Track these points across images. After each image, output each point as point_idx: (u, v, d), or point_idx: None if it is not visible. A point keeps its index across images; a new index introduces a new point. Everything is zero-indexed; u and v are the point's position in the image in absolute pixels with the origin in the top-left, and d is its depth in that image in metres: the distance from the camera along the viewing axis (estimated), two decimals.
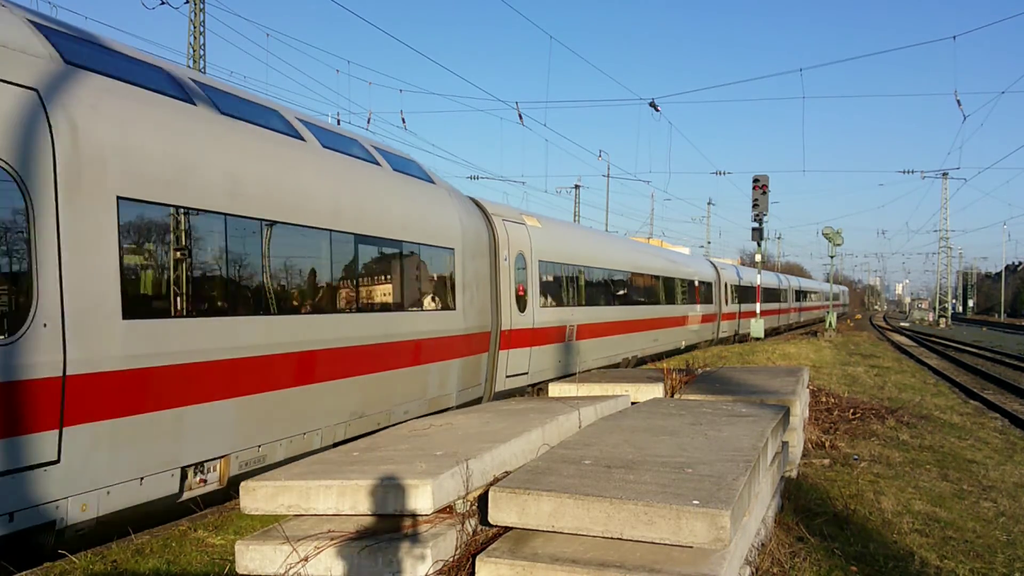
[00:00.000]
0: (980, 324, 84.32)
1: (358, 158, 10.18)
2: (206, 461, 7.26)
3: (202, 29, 28.59)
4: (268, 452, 8.05)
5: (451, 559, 4.65)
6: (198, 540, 6.15)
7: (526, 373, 14.56)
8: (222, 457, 7.45)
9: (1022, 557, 6.11)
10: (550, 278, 15.87)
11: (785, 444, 7.30)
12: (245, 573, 4.88)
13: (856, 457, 9.42)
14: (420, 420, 7.85)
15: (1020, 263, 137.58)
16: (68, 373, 5.81)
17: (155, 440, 6.65)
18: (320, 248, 8.99)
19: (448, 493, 4.86)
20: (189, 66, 28.27)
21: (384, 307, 10.16)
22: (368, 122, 27.95)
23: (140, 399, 6.49)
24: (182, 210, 7.08)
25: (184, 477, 7.05)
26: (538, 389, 15.16)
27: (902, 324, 78.40)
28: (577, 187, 54.65)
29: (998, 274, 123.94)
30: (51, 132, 5.87)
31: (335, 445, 8.67)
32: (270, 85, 54.62)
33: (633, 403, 8.56)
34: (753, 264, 39.95)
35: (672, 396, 8.96)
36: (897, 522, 6.76)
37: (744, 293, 36.02)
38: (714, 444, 5.67)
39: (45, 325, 5.70)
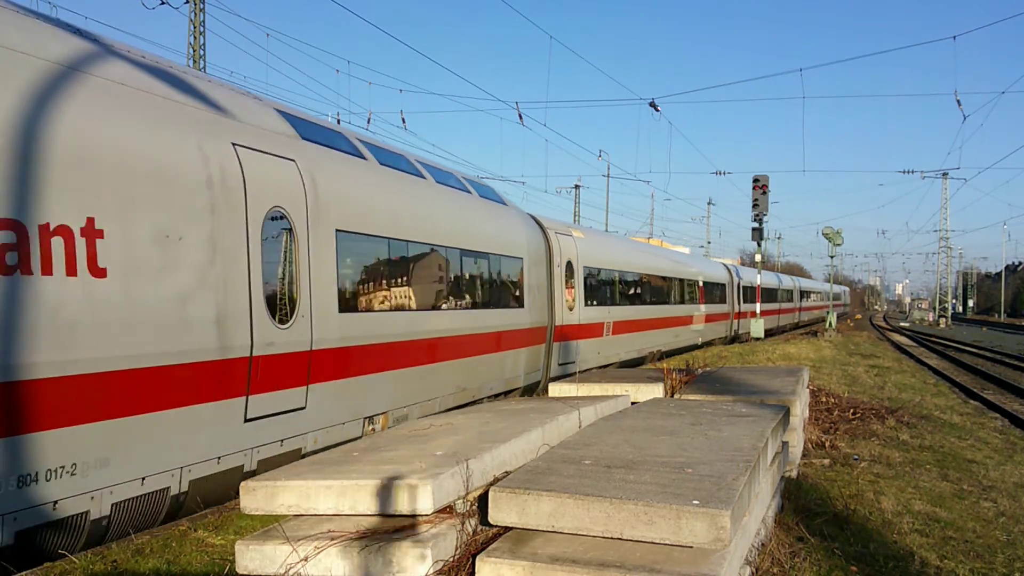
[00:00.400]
0: (980, 324, 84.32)
1: (458, 189, 12.99)
2: (375, 415, 10.06)
3: (202, 29, 28.60)
4: (408, 412, 10.82)
5: (451, 559, 4.65)
6: (198, 540, 6.15)
7: (573, 362, 16.90)
8: (383, 413, 10.20)
9: (1022, 557, 6.11)
10: (593, 282, 18.22)
11: (785, 444, 7.30)
12: (245, 573, 4.88)
13: (856, 457, 9.42)
14: (420, 420, 7.87)
15: (1020, 263, 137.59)
16: (313, 348, 8.51)
17: (351, 398, 9.35)
18: (440, 260, 11.89)
19: (448, 493, 4.87)
20: (189, 66, 28.29)
21: (477, 305, 12.78)
22: (368, 122, 27.97)
23: (345, 368, 9.23)
24: (367, 236, 9.88)
25: (364, 425, 9.75)
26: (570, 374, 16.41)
27: (902, 324, 78.42)
28: (577, 187, 54.70)
29: (998, 274, 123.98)
30: (304, 187, 8.56)
31: (446, 411, 10.94)
32: (270, 85, 54.73)
33: (633, 403, 8.56)
34: (753, 264, 39.97)
35: (672, 396, 8.96)
36: (897, 522, 6.76)
37: (749, 294, 37.88)
38: (714, 444, 5.67)
39: (303, 316, 8.38)
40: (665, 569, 3.93)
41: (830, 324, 37.72)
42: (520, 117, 26.22)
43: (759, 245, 32.41)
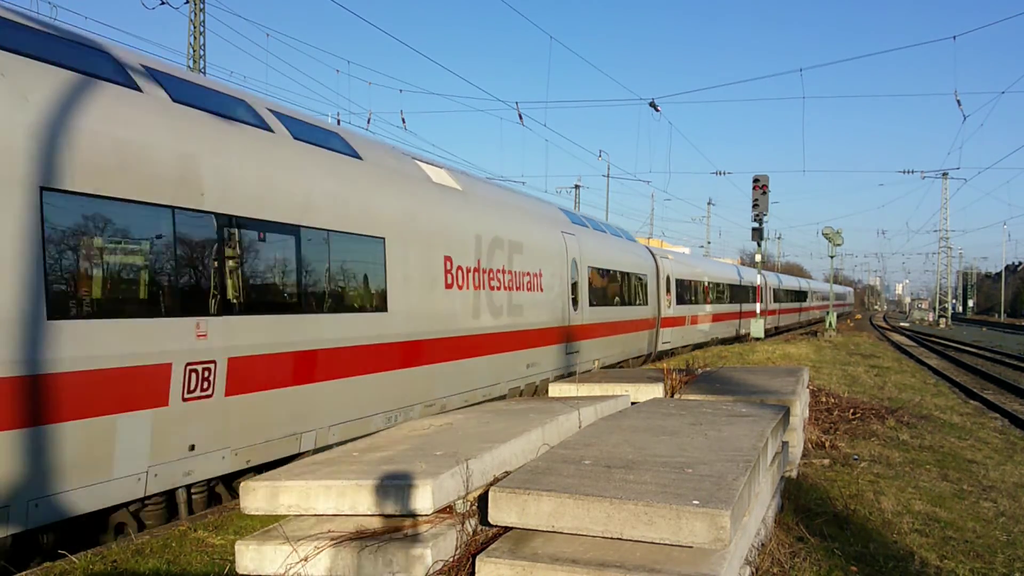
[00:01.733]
0: (980, 324, 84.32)
1: (622, 237, 22.06)
2: (625, 359, 17.42)
3: (202, 29, 28.59)
4: (605, 359, 18.12)
5: (451, 559, 4.64)
6: (198, 540, 6.15)
7: (669, 342, 24.95)
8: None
9: (1022, 557, 6.11)
10: (680, 289, 26.38)
11: (785, 444, 7.30)
12: (245, 573, 4.88)
13: (856, 457, 9.41)
14: (420, 420, 7.85)
15: (1020, 263, 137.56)
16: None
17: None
18: (622, 279, 20.43)
19: (448, 493, 4.86)
20: (189, 66, 28.26)
21: (627, 303, 20.78)
22: (368, 122, 27.96)
23: (593, 332, 16.81)
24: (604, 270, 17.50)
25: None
26: (669, 352, 24.98)
27: (902, 324, 78.41)
28: (577, 187, 54.63)
29: (998, 274, 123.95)
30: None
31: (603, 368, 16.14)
32: (270, 85, 54.65)
33: (633, 403, 8.56)
34: (753, 264, 40.04)
35: (672, 396, 8.96)
36: (897, 522, 6.76)
37: (777, 295, 47.02)
38: (714, 444, 5.67)
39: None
40: (665, 569, 3.93)
41: (830, 324, 37.69)
42: (520, 117, 26.24)
43: (759, 245, 32.41)
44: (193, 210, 7.13)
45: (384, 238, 10.02)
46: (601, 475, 4.76)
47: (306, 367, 8.46)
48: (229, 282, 7.58)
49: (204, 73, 28.42)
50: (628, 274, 20.56)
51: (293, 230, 8.39)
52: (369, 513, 4.87)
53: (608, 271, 18.83)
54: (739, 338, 34.69)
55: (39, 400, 5.74)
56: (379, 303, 9.94)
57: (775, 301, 45.43)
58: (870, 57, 78.58)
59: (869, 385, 17.62)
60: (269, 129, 8.63)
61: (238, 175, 7.73)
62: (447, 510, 5.04)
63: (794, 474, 8.13)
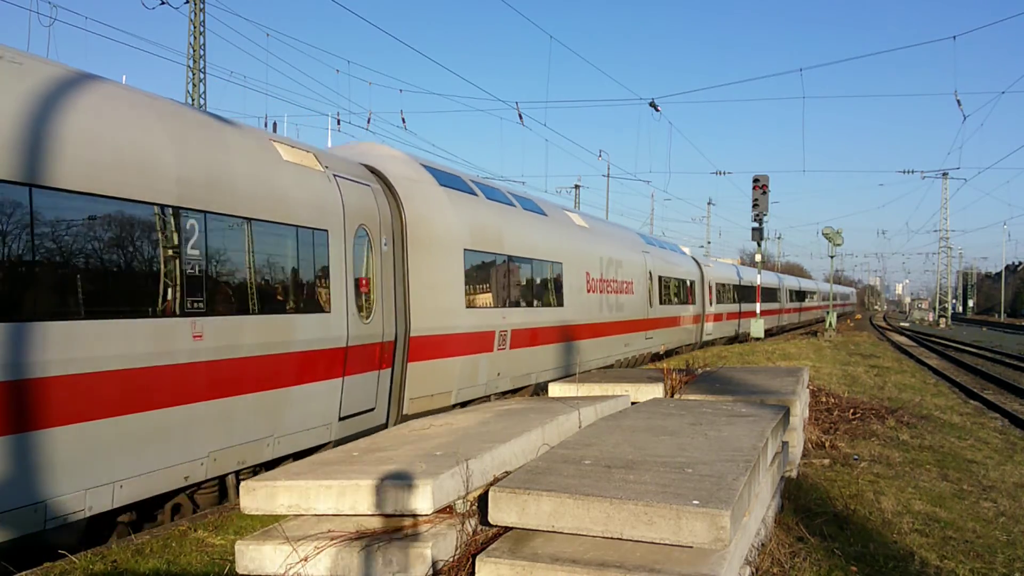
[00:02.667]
0: (980, 324, 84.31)
1: (669, 250, 26.57)
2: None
3: (202, 29, 28.59)
4: (666, 342, 23.38)
5: (451, 559, 4.65)
6: (198, 540, 6.15)
7: (711, 335, 30.16)
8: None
9: (1022, 557, 6.11)
10: (719, 290, 31.74)
11: (785, 444, 7.30)
12: (245, 573, 4.88)
13: (856, 457, 9.41)
14: (420, 420, 7.85)
15: (1020, 263, 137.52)
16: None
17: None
18: (680, 284, 26.03)
19: (448, 493, 4.86)
20: (189, 66, 28.27)
21: (682, 302, 26.08)
22: (368, 122, 27.96)
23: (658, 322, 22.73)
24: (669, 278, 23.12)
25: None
26: (711, 343, 30.14)
27: (902, 324, 78.44)
28: (577, 187, 54.63)
29: (998, 274, 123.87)
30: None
31: (667, 354, 20.04)
32: (270, 85, 54.66)
33: (633, 403, 8.56)
34: (753, 264, 40.07)
35: (672, 396, 8.96)
36: (897, 522, 6.76)
37: (791, 295, 53.09)
38: (714, 444, 5.67)
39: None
40: (665, 569, 3.93)
41: (830, 324, 37.69)
42: (520, 117, 26.25)
43: (759, 245, 32.41)
44: (505, 255, 13.75)
45: (562, 263, 16.13)
46: (601, 475, 4.76)
47: (534, 337, 14.77)
48: (514, 289, 14.18)
49: (204, 74, 28.42)
50: (682, 280, 26.59)
51: (530, 260, 14.85)
52: (369, 513, 4.87)
53: (669, 279, 24.97)
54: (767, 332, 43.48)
55: (454, 344, 11.87)
56: (559, 301, 16.03)
57: (791, 301, 52.66)
58: (870, 57, 78.68)
59: (869, 385, 17.62)
60: (511, 204, 14.91)
61: (515, 232, 14.30)
62: (447, 510, 5.04)
63: (794, 474, 8.13)
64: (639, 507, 4.13)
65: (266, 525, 5.52)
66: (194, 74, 28.26)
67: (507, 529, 4.62)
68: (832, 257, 39.72)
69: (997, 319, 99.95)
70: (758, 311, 33.08)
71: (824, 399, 12.83)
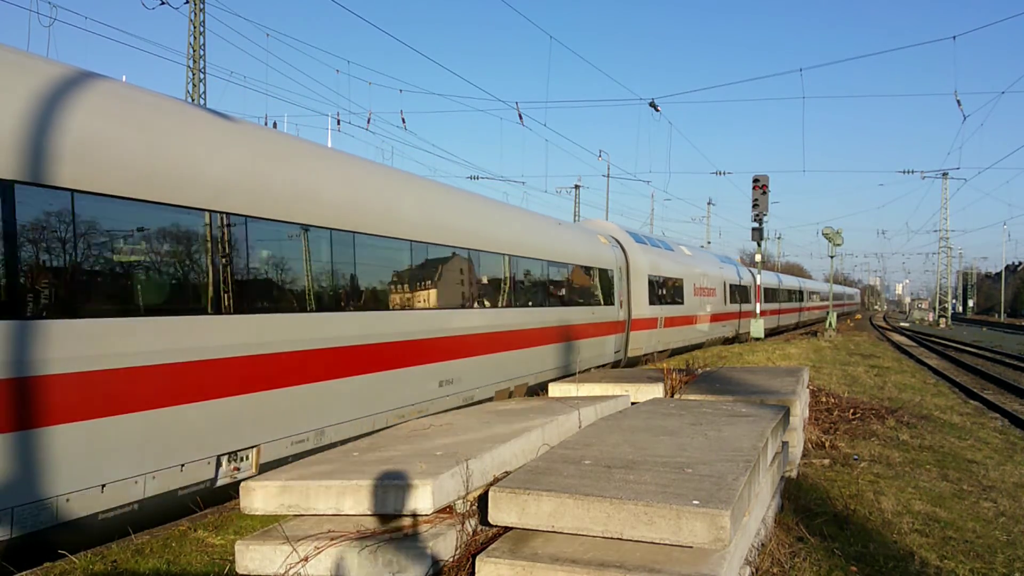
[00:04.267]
0: (980, 324, 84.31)
1: (732, 263, 36.57)
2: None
3: (202, 29, 28.59)
4: (707, 340, 30.25)
5: (451, 559, 4.65)
6: (198, 540, 6.15)
7: (748, 332, 34.35)
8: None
9: (1022, 557, 6.11)
10: (766, 291, 40.74)
11: (785, 444, 7.30)
12: (245, 573, 4.88)
13: (856, 457, 9.41)
14: (420, 420, 7.86)
15: (1020, 263, 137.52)
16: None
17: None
18: (736, 288, 34.83)
19: (448, 493, 4.86)
20: (189, 66, 28.27)
21: (743, 302, 35.30)
22: (368, 122, 27.94)
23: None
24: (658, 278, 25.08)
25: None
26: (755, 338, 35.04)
27: (902, 324, 78.43)
28: (577, 187, 54.67)
29: (998, 274, 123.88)
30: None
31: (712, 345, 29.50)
32: (270, 85, 54.64)
33: (633, 403, 8.56)
34: (753, 264, 40.17)
35: (672, 396, 8.96)
36: (897, 522, 6.76)
37: (811, 296, 61.45)
38: (714, 444, 5.67)
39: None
40: (665, 569, 3.93)
41: (830, 324, 37.69)
42: (520, 117, 26.22)
43: (759, 245, 32.40)
44: (661, 276, 23.91)
45: (682, 278, 25.85)
46: (601, 475, 4.76)
47: (673, 322, 24.33)
48: (664, 296, 23.98)
49: (204, 74, 28.41)
50: (744, 286, 35.96)
51: (672, 279, 24.59)
52: (369, 513, 4.87)
53: (736, 285, 34.55)
54: (799, 325, 54.13)
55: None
56: (682, 301, 25.66)
57: (808, 301, 60.52)
58: (870, 57, 78.68)
59: (869, 385, 17.62)
60: (659, 246, 25.21)
61: (664, 264, 24.51)
62: (447, 510, 5.04)
63: (794, 474, 8.13)
64: (639, 507, 4.13)
65: (266, 525, 5.52)
66: (194, 74, 28.27)
67: (507, 529, 4.62)
68: (832, 257, 39.71)
69: (997, 319, 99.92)
70: (758, 311, 33.10)
71: (824, 399, 12.82)
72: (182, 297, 7.36)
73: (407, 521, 4.92)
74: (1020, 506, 7.68)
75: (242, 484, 5.17)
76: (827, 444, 9.90)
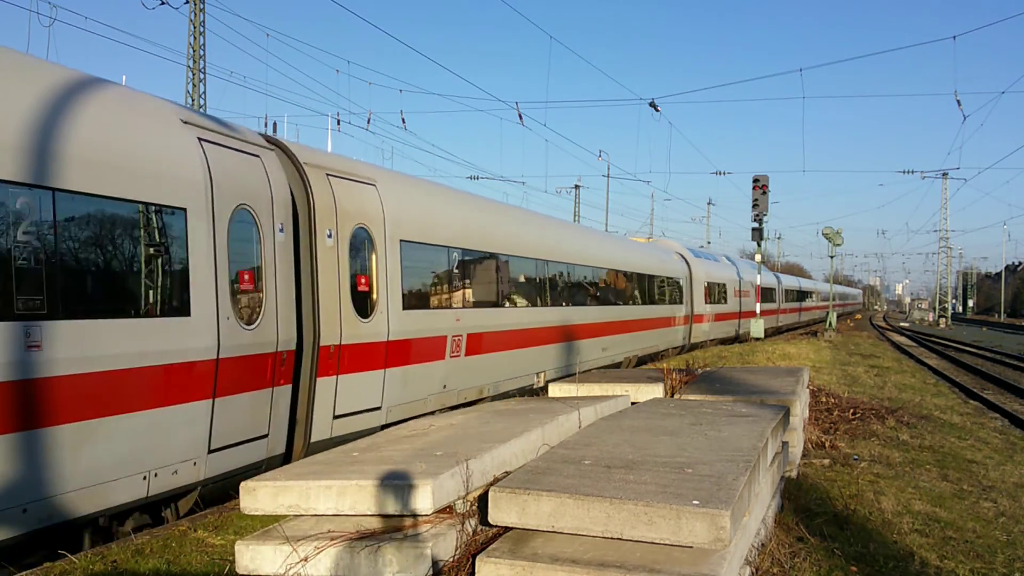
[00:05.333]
0: (980, 324, 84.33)
1: (766, 270, 42.07)
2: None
3: (202, 29, 28.59)
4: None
5: (451, 559, 4.65)
6: (198, 540, 6.15)
7: (782, 321, 46.35)
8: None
9: (1022, 557, 6.11)
10: (787, 295, 50.32)
11: (785, 444, 7.30)
12: (245, 573, 4.88)
13: (856, 457, 9.41)
14: (420, 420, 7.86)
15: (1020, 263, 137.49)
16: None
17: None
18: (768, 291, 42.40)
19: (448, 493, 4.86)
20: (189, 66, 28.27)
21: (771, 301, 43.63)
22: (368, 122, 27.95)
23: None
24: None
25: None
26: (786, 329, 47.67)
27: (902, 324, 78.46)
28: (577, 187, 54.70)
29: (998, 274, 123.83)
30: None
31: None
32: (270, 85, 54.63)
33: (633, 403, 8.56)
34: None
35: (672, 396, 8.96)
36: (897, 522, 6.76)
37: (817, 297, 65.48)
38: (714, 444, 5.67)
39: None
40: (665, 569, 3.93)
41: (830, 324, 37.69)
42: (520, 117, 26.21)
43: (759, 245, 32.42)
44: (715, 282, 31.51)
45: (726, 283, 32.80)
46: (601, 475, 4.76)
47: (720, 317, 32.05)
48: (715, 297, 31.37)
49: (204, 74, 28.42)
50: (770, 288, 41.99)
51: (718, 284, 32.04)
52: (369, 513, 4.87)
53: (765, 288, 38.97)
54: (812, 322, 59.05)
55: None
56: (726, 301, 32.65)
57: (814, 301, 65.74)
58: (870, 57, 78.75)
59: (869, 385, 17.63)
60: (710, 258, 33.45)
61: (712, 273, 31.24)
62: (447, 510, 5.04)
63: (794, 474, 8.13)
64: (639, 507, 4.13)
65: (266, 525, 5.52)
66: (194, 74, 28.27)
67: (507, 529, 4.62)
68: (832, 257, 39.71)
69: (997, 319, 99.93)
70: (758, 311, 33.10)
71: (824, 399, 12.82)
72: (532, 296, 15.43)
73: (407, 521, 4.92)
74: (1020, 506, 7.69)
75: (242, 484, 5.17)
76: (827, 444, 9.90)
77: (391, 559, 4.53)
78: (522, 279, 15.27)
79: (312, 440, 8.94)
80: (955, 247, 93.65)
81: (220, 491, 7.73)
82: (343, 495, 4.87)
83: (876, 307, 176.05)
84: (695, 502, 4.11)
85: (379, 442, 6.46)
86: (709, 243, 70.86)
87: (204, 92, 28.47)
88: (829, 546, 5.95)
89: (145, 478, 6.71)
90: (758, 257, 34.10)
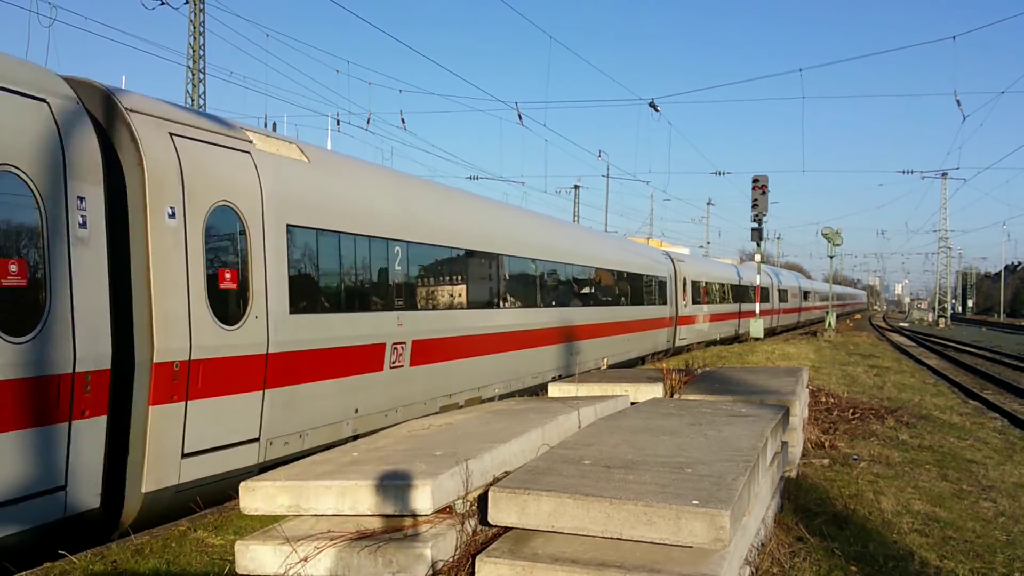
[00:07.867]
0: (979, 324, 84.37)
1: (784, 271, 57.90)
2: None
3: (202, 29, 28.59)
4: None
5: (451, 559, 4.65)
6: (198, 540, 6.15)
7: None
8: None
9: (1022, 557, 6.11)
10: (804, 295, 57.49)
11: (785, 444, 7.30)
12: (245, 573, 4.88)
13: (856, 457, 9.42)
14: (420, 420, 7.86)
15: (1020, 263, 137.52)
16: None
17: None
18: (783, 292, 46.84)
19: (448, 493, 4.86)
20: (189, 67, 28.26)
21: (785, 301, 47.44)
22: (368, 122, 27.95)
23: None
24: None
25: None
26: (808, 323, 55.83)
27: (901, 324, 78.48)
28: (577, 187, 54.65)
29: (997, 274, 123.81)
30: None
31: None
32: (270, 85, 54.62)
33: (633, 403, 8.56)
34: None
35: (672, 396, 8.96)
36: (897, 522, 6.76)
37: (823, 299, 66.81)
38: (714, 444, 5.67)
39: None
40: (665, 569, 3.93)
41: (829, 324, 37.71)
42: (520, 117, 26.14)
43: (759, 245, 32.44)
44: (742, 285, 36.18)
45: (769, 287, 40.12)
46: (601, 475, 4.76)
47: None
48: (746, 298, 35.95)
49: (204, 74, 28.42)
50: (787, 289, 45.54)
51: (738, 287, 35.77)
52: (369, 513, 4.87)
53: (782, 289, 43.85)
54: (819, 320, 59.18)
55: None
56: (769, 301, 39.38)
57: (819, 301, 68.17)
58: (870, 57, 78.78)
59: (868, 385, 17.63)
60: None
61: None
62: (447, 510, 5.04)
63: (794, 474, 8.13)
64: (639, 507, 4.13)
65: (266, 525, 5.52)
66: (194, 75, 28.27)
67: (507, 529, 4.62)
68: (832, 257, 39.74)
69: (996, 319, 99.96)
70: (757, 311, 33.12)
71: (824, 399, 12.82)
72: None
73: (407, 521, 4.92)
74: (1020, 506, 7.69)
75: (242, 484, 5.17)
76: (827, 444, 9.90)
77: (391, 559, 4.53)
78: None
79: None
80: (954, 247, 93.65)
81: None
82: (343, 495, 4.87)
83: (875, 307, 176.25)
84: (695, 502, 4.11)
85: (379, 442, 6.46)
86: (709, 243, 70.97)
87: (204, 92, 28.47)
88: (829, 546, 5.95)
89: None
90: (757, 257, 34.14)
